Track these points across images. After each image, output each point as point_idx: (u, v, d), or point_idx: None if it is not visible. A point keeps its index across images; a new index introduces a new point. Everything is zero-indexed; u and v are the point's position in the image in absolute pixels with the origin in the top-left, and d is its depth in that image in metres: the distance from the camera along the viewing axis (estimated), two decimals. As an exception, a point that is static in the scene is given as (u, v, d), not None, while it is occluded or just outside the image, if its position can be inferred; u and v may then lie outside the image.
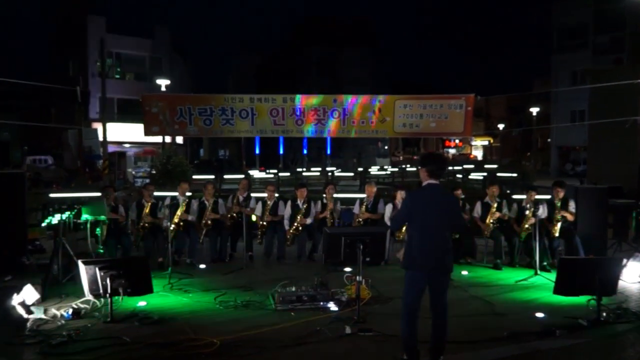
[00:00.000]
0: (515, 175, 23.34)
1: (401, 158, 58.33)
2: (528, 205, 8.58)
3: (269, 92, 12.71)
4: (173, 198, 8.83)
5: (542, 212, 8.53)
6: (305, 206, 9.04)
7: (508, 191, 15.12)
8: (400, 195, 8.67)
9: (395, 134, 11.19)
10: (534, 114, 40.82)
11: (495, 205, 8.83)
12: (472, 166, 38.23)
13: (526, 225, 8.54)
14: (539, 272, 7.78)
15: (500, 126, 56.65)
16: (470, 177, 26.05)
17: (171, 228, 8.15)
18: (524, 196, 9.13)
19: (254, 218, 9.26)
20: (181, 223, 8.51)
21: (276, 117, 10.71)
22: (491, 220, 8.76)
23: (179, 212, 8.53)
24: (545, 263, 8.30)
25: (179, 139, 35.11)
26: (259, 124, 10.72)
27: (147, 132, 10.76)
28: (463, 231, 7.83)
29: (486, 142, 67.51)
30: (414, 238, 4.60)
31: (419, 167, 4.81)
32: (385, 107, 10.78)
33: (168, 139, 23.23)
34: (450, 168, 33.10)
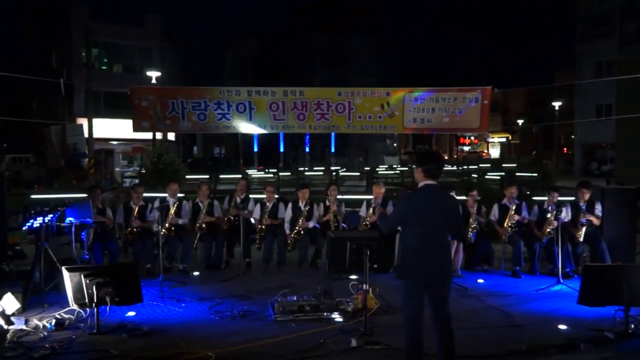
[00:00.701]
0: (535, 175, 23.30)
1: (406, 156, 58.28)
2: (550, 208, 8.56)
3: (268, 83, 12.70)
4: (162, 200, 8.85)
5: (565, 215, 8.52)
6: (307, 208, 9.05)
7: (528, 192, 15.09)
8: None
9: (405, 129, 11.19)
10: (556, 108, 40.76)
11: (514, 207, 8.82)
12: (488, 165, 38.21)
13: (548, 230, 8.52)
14: (561, 280, 7.76)
15: (520, 121, 56.58)
16: (486, 177, 26.02)
17: (162, 232, 8.17)
18: (545, 198, 9.11)
19: (252, 221, 9.28)
20: (172, 228, 8.52)
21: (276, 112, 10.73)
22: (509, 224, 8.75)
23: (169, 215, 8.53)
24: (568, 270, 8.28)
25: (171, 136, 35.21)
26: (257, 119, 10.74)
27: (137, 128, 10.78)
28: (461, 239, 7.82)
29: (504, 139, 67.48)
30: (410, 245, 4.58)
31: (415, 167, 4.83)
32: (395, 100, 10.78)
33: (159, 135, 23.31)
34: (465, 167, 33.10)
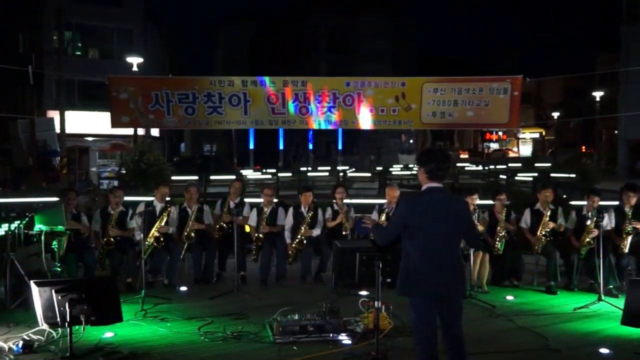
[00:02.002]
0: (573, 176, 23.21)
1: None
2: (590, 214, 8.54)
3: (266, 72, 12.72)
4: (148, 204, 8.86)
5: (608, 222, 8.49)
6: (311, 214, 9.06)
7: (564, 196, 15.06)
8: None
9: (423, 125, 11.22)
10: (598, 99, 40.63)
11: (549, 213, 8.80)
12: (519, 165, 38.13)
13: (587, 239, 8.50)
14: (603, 297, 7.74)
15: (555, 115, 56.43)
16: (516, 178, 25.96)
17: (147, 243, 8.18)
18: (584, 202, 9.09)
19: (247, 229, 9.29)
20: (162, 239, 8.54)
21: (275, 105, 10.77)
22: (543, 233, 8.74)
23: (158, 224, 8.55)
24: (611, 286, 8.26)
25: (155, 131, 35.30)
26: (253, 113, 10.78)
27: (115, 124, 10.84)
28: (477, 246, 7.80)
29: (537, 135, 67.28)
30: (412, 257, 4.56)
31: (418, 168, 4.82)
32: (411, 91, 10.81)
33: (141, 131, 23.33)
34: (492, 167, 33.05)
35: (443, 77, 11.22)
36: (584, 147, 50.09)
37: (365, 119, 10.93)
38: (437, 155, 4.72)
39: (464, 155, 58.63)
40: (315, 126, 11.32)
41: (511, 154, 64.16)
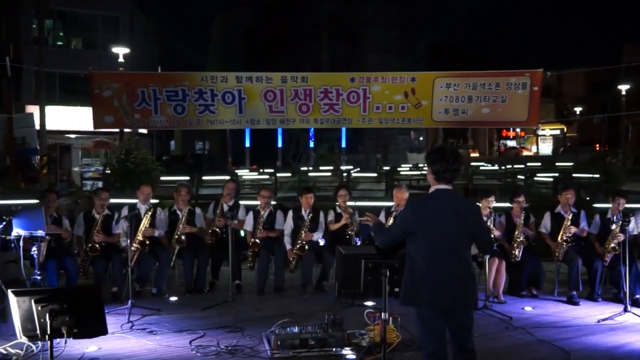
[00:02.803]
0: (597, 176, 23.21)
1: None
2: (615, 218, 8.53)
3: (263, 64, 12.71)
4: (132, 207, 8.88)
5: (635, 226, 8.49)
6: (310, 216, 9.05)
7: (588, 198, 15.07)
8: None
9: (435, 123, 11.23)
10: (624, 92, 40.58)
11: (571, 217, 8.80)
12: (538, 164, 38.10)
13: (612, 245, 8.50)
14: (629, 307, 7.74)
15: (577, 110, 56.39)
16: (536, 178, 25.97)
17: (133, 248, 8.20)
18: (609, 205, 9.09)
19: (242, 233, 9.29)
20: (147, 242, 8.55)
21: (272, 102, 10.79)
22: (565, 238, 8.73)
23: (141, 227, 8.57)
24: (638, 296, 8.25)
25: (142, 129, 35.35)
26: (249, 112, 10.79)
27: (98, 124, 10.84)
28: (489, 252, 7.78)
29: (558, 131, 67.24)
30: (417, 264, 4.55)
31: (427, 168, 4.82)
32: (422, 87, 10.82)
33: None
34: (509, 167, 33.04)
35: (456, 72, 11.21)
36: (598, 145, 50.07)
37: (371, 118, 10.93)
38: (446, 154, 4.68)
39: (474, 154, 58.58)
40: (316, 125, 11.32)
41: (525, 153, 64.06)
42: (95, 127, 10.88)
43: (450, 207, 4.60)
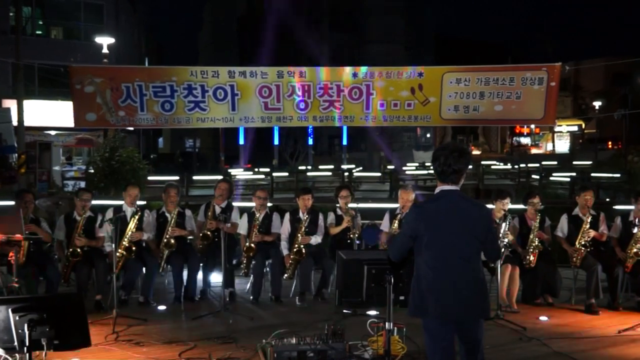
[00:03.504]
0: (618, 175, 23.26)
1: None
2: (637, 221, 8.53)
3: (258, 55, 12.70)
4: (117, 209, 8.88)
5: (658, 230, 8.48)
6: (306, 217, 9.04)
7: (608, 199, 15.07)
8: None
9: (444, 121, 11.18)
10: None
11: (589, 219, 8.80)
12: (554, 163, 38.17)
13: (635, 250, 8.50)
14: (653, 317, 7.74)
15: (596, 104, 56.38)
16: (552, 178, 26.00)
17: (118, 253, 8.19)
18: (631, 207, 9.08)
19: (236, 235, 9.29)
20: (133, 248, 8.54)
21: (268, 99, 10.76)
22: (583, 242, 8.73)
23: (128, 231, 8.56)
24: (662, 305, 8.26)
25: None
26: (242, 109, 10.77)
27: (79, 122, 10.80)
28: (496, 260, 7.74)
29: (575, 127, 67.20)
30: (424, 273, 4.54)
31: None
32: (429, 82, 10.79)
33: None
34: (522, 165, 33.05)
35: (467, 66, 11.19)
36: (611, 143, 50.11)
37: (375, 116, 10.91)
38: (447, 151, 4.60)
39: (476, 152, 58.57)
40: (315, 124, 11.29)
41: (533, 151, 63.93)
42: (76, 125, 10.85)
43: (456, 209, 4.57)
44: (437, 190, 4.66)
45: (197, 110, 10.71)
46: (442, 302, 4.47)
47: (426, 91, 10.74)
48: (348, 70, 10.92)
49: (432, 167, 4.70)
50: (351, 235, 9.07)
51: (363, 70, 10.87)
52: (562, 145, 66.61)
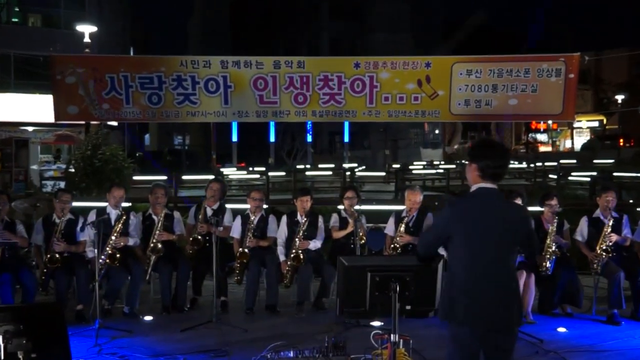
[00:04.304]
0: (642, 175, 23.26)
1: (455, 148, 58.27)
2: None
3: (253, 45, 12.68)
4: (101, 212, 8.87)
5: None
6: (305, 220, 9.04)
7: (631, 200, 15.06)
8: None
9: (454, 116, 11.21)
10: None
11: (611, 222, 8.80)
12: (573, 162, 38.16)
13: (660, 255, 8.50)
14: (680, 329, 7.74)
15: (619, 98, 56.39)
16: (570, 178, 25.99)
17: (100, 260, 8.18)
18: (656, 209, 9.09)
19: (229, 240, 9.28)
20: (118, 255, 8.53)
21: (264, 91, 10.78)
22: (604, 247, 8.73)
23: (112, 235, 8.55)
24: (690, 315, 8.26)
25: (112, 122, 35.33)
26: (236, 102, 10.78)
27: (60, 115, 10.82)
28: (533, 260, 7.77)
29: (596, 123, 67.27)
30: (456, 274, 4.57)
31: (467, 163, 4.78)
32: (438, 74, 10.81)
33: (94, 119, 23.32)
34: (539, 164, 33.03)
35: (478, 56, 11.20)
36: (622, 140, 50.13)
37: (378, 110, 10.91)
38: (495, 149, 4.72)
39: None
40: (315, 119, 11.30)
41: (542, 149, 63.79)
42: (56, 119, 10.87)
43: (495, 209, 4.61)
44: (475, 187, 4.65)
45: (187, 103, 10.73)
46: (474, 308, 4.47)
47: (434, 83, 10.75)
48: (350, 60, 10.91)
49: (473, 164, 4.63)
50: (358, 240, 9.02)
51: (366, 60, 10.85)
52: (582, 142, 66.61)
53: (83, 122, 21.47)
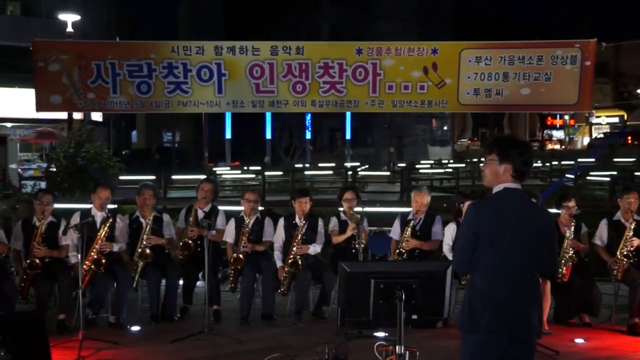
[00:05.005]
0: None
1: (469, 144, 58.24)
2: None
3: (246, 37, 12.68)
4: (85, 214, 8.87)
5: None
6: (304, 224, 9.04)
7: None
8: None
9: (462, 107, 11.22)
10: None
11: (633, 226, 8.80)
12: (591, 160, 38.14)
13: (685, 261, 8.50)
14: None
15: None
16: (589, 178, 25.98)
17: (84, 266, 8.18)
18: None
19: (222, 245, 9.29)
20: (103, 261, 8.53)
21: (260, 80, 10.78)
22: (625, 252, 8.73)
23: (97, 239, 8.55)
24: None
25: (97, 115, 35.32)
26: (230, 91, 10.78)
27: (42, 106, 10.81)
28: (550, 275, 7.74)
29: (616, 119, 67.26)
30: (480, 281, 4.57)
31: (492, 160, 4.69)
32: (445, 61, 10.81)
33: (78, 114, 23.31)
34: (555, 163, 33.03)
35: (489, 42, 11.19)
36: (630, 138, 50.11)
37: (382, 100, 10.92)
38: (527, 147, 4.77)
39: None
40: (314, 109, 11.30)
41: (550, 146, 63.69)
42: (38, 109, 10.85)
43: (520, 211, 4.61)
44: (500, 187, 4.63)
45: (179, 92, 10.74)
46: (498, 317, 4.47)
47: (441, 71, 10.74)
48: (352, 45, 10.90)
49: (504, 163, 4.60)
50: (357, 245, 9.02)
51: (368, 45, 10.85)
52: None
53: (66, 118, 21.52)
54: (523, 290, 4.53)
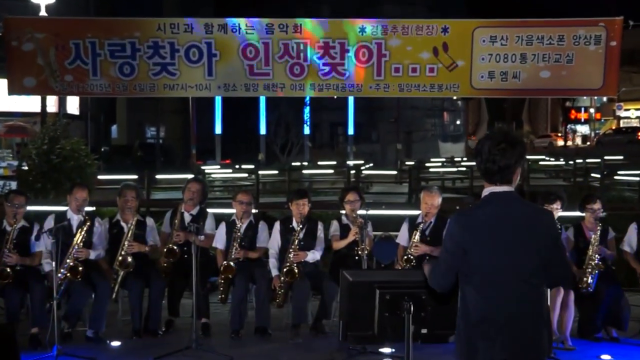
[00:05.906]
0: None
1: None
2: None
3: (240, 12, 12.67)
4: (60, 217, 8.87)
5: None
6: (301, 228, 9.04)
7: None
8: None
9: (475, 91, 11.20)
10: None
11: (665, 231, 8.81)
12: (619, 158, 38.15)
13: None
14: None
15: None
16: (616, 177, 25.99)
17: (60, 275, 8.18)
18: None
19: (211, 251, 9.29)
20: (80, 268, 8.53)
21: (254, 61, 10.77)
22: (657, 260, 8.75)
23: (74, 245, 8.55)
24: None
25: (73, 107, 35.34)
26: (221, 74, 10.78)
27: (15, 88, 10.82)
28: (566, 284, 7.73)
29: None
30: (472, 302, 4.45)
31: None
32: (457, 41, 10.79)
33: (52, 106, 23.33)
34: (579, 161, 33.03)
35: (504, 20, 11.18)
36: None
37: (388, 83, 10.91)
38: (491, 142, 4.44)
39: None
40: (313, 93, 11.31)
41: (560, 143, 63.49)
42: (10, 92, 10.85)
43: (511, 217, 4.43)
44: (485, 192, 4.49)
45: (165, 74, 10.73)
46: (493, 337, 4.36)
47: (453, 52, 10.72)
48: (354, 23, 10.89)
49: (477, 163, 4.50)
50: (360, 251, 9.03)
51: (373, 23, 10.84)
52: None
53: (38, 111, 21.52)
54: (523, 306, 4.39)
